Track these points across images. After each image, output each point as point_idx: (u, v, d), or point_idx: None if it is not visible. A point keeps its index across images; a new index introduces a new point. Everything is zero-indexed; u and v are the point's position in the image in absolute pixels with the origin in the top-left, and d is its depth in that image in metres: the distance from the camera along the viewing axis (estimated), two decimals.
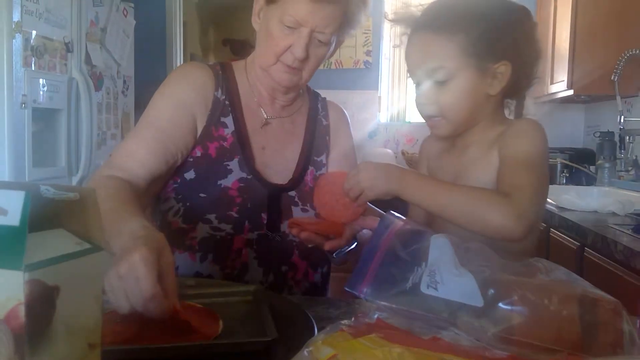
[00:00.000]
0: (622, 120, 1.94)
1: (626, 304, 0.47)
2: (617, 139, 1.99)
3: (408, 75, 0.77)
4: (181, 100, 0.83)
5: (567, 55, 2.05)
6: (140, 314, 0.52)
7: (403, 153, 2.64)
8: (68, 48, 1.99)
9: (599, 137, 2.05)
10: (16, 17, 1.74)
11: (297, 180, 0.88)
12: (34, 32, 1.82)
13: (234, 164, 0.83)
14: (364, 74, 2.74)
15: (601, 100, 2.31)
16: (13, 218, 0.32)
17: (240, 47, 4.05)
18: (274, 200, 0.84)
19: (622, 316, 0.46)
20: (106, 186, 0.69)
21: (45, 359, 0.33)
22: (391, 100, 2.83)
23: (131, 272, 0.51)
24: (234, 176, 0.83)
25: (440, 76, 0.70)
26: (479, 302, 0.46)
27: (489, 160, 0.72)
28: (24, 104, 1.78)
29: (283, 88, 0.86)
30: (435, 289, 0.46)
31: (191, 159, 0.83)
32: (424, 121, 0.78)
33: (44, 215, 0.36)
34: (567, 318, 0.46)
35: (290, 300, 0.64)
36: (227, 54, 4.08)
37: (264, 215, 0.83)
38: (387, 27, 2.76)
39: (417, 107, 0.76)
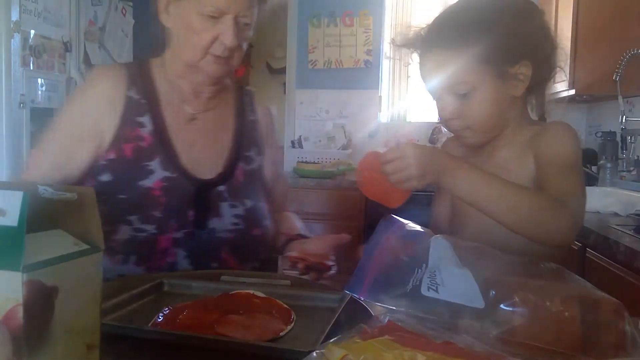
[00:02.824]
0: (624, 120, 1.93)
1: (628, 305, 0.47)
2: (619, 139, 1.99)
3: (426, 90, 0.74)
4: (82, 109, 0.84)
5: (569, 55, 2.04)
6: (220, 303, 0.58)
7: None
8: (67, 47, 1.99)
9: (600, 137, 2.05)
10: (15, 16, 1.74)
11: (227, 174, 0.86)
12: (32, 32, 1.82)
13: (155, 164, 0.81)
14: (364, 74, 2.74)
15: (603, 100, 2.31)
16: (11, 218, 0.32)
17: None
18: (202, 196, 0.83)
19: (624, 317, 0.45)
20: None
21: None
22: (392, 100, 2.83)
23: None
24: (156, 176, 0.81)
25: (463, 89, 0.69)
26: (480, 303, 0.45)
27: (522, 163, 0.71)
28: (22, 103, 1.78)
29: (212, 80, 0.85)
30: (436, 291, 0.46)
31: (105, 162, 0.81)
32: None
33: (42, 215, 0.35)
34: (568, 319, 0.45)
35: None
36: None
37: (190, 212, 0.81)
38: (387, 26, 2.76)
39: (441, 123, 0.74)
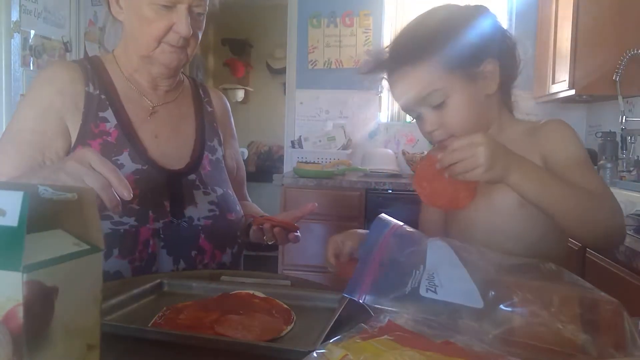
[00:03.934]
0: (623, 120, 1.93)
1: (628, 305, 0.47)
2: (619, 139, 1.99)
3: (403, 110, 0.76)
4: (45, 106, 0.81)
5: (569, 55, 2.04)
6: (219, 303, 0.58)
7: (404, 153, 2.64)
8: (67, 47, 1.99)
9: (600, 137, 2.05)
10: (15, 16, 1.74)
11: (195, 163, 0.88)
12: (32, 32, 1.83)
13: (124, 158, 0.81)
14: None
15: (603, 100, 2.31)
16: (11, 218, 0.32)
17: (240, 46, 4.05)
18: (175, 186, 0.84)
19: (623, 317, 0.45)
20: None
21: None
22: (392, 100, 2.83)
23: (84, 159, 0.60)
24: (127, 169, 0.81)
25: (437, 99, 0.70)
26: (478, 303, 0.45)
27: None
28: None
29: (169, 70, 0.86)
30: (435, 292, 0.46)
31: None
32: None
33: (42, 215, 0.36)
34: (567, 319, 0.45)
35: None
36: (227, 53, 4.08)
37: (166, 203, 0.82)
38: (387, 26, 2.76)
39: (425, 137, 0.75)
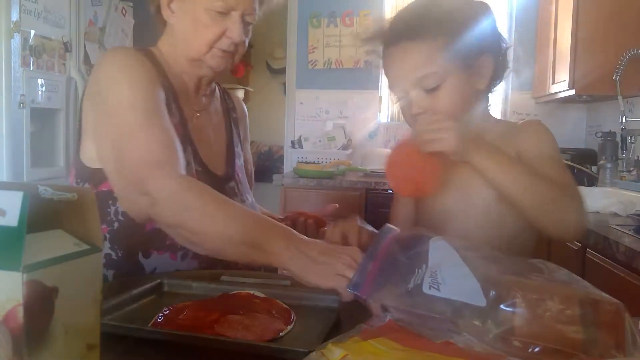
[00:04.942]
0: (623, 120, 1.93)
1: (628, 305, 0.47)
2: (619, 139, 1.99)
3: (392, 87, 0.75)
4: (150, 90, 0.77)
5: (569, 55, 2.04)
6: (223, 303, 0.58)
7: None
8: (67, 47, 1.99)
9: (600, 137, 2.05)
10: (15, 16, 1.74)
11: (230, 172, 0.90)
12: (32, 32, 1.83)
13: (187, 155, 0.80)
14: (364, 74, 2.74)
15: (603, 100, 2.31)
16: (11, 218, 0.32)
17: None
18: (220, 192, 0.81)
19: (623, 317, 0.45)
20: (212, 194, 0.69)
21: None
22: (391, 100, 2.83)
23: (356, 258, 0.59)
24: (189, 169, 0.80)
25: (432, 83, 0.69)
26: (481, 301, 0.45)
27: None
28: (22, 104, 1.79)
29: (214, 75, 0.86)
30: (438, 289, 0.46)
31: None
32: None
33: (43, 215, 0.36)
34: (568, 319, 0.45)
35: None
36: None
37: None
38: None
39: (407, 122, 0.75)
